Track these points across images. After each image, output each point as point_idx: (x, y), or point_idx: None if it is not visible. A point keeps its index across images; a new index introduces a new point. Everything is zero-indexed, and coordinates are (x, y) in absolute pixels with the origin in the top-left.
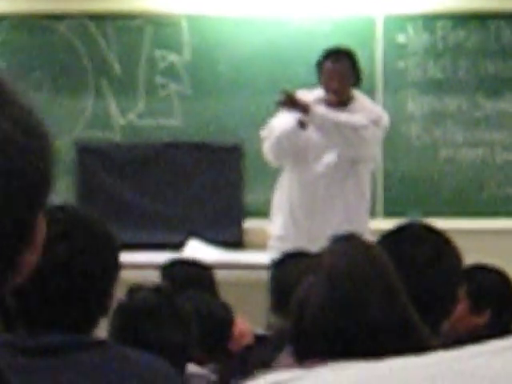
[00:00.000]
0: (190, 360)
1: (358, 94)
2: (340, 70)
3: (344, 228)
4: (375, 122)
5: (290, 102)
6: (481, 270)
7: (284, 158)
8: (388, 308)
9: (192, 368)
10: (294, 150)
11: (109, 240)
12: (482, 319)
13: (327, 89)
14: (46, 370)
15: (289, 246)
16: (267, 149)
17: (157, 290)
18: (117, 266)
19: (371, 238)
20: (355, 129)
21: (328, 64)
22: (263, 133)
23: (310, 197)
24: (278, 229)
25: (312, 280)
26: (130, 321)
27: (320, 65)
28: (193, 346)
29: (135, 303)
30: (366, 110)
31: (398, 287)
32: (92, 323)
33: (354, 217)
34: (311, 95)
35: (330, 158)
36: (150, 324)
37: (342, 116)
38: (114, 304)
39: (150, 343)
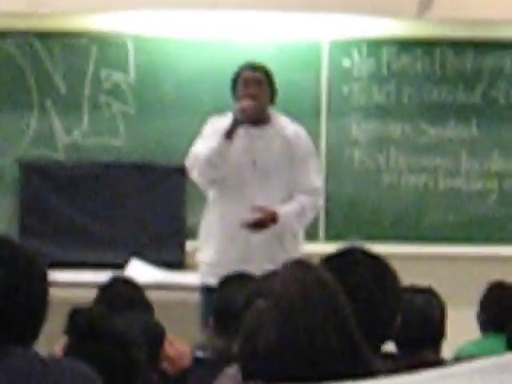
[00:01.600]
0: (137, 381)
1: (275, 115)
2: (257, 77)
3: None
4: (315, 154)
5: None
6: (411, 292)
7: (215, 179)
8: (337, 332)
9: None
10: (224, 167)
11: (31, 264)
12: None
13: (244, 95)
14: None
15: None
16: (197, 175)
17: (96, 309)
18: (44, 287)
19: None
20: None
21: (245, 73)
22: (188, 162)
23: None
24: (211, 255)
25: (262, 305)
26: (75, 342)
27: (235, 82)
28: (138, 367)
29: (80, 325)
30: (286, 132)
31: (347, 312)
32: (26, 339)
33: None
34: (225, 120)
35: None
36: (96, 345)
37: (303, 206)
38: (56, 324)
39: (94, 363)
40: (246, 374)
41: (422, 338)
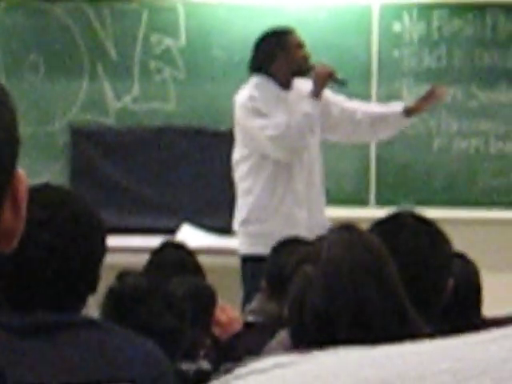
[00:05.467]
0: (184, 345)
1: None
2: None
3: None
4: None
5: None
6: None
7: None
8: (384, 297)
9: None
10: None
11: (92, 220)
12: None
13: (305, 57)
14: (36, 349)
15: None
16: (297, 143)
17: (147, 274)
18: (103, 245)
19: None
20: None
21: (295, 36)
22: (273, 132)
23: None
24: (269, 229)
25: (310, 270)
26: (121, 305)
27: (274, 49)
28: (186, 330)
29: (126, 288)
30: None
31: (395, 277)
32: (79, 302)
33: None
34: (268, 90)
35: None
36: (141, 308)
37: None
38: (105, 289)
39: (142, 328)
40: (295, 339)
41: (462, 305)
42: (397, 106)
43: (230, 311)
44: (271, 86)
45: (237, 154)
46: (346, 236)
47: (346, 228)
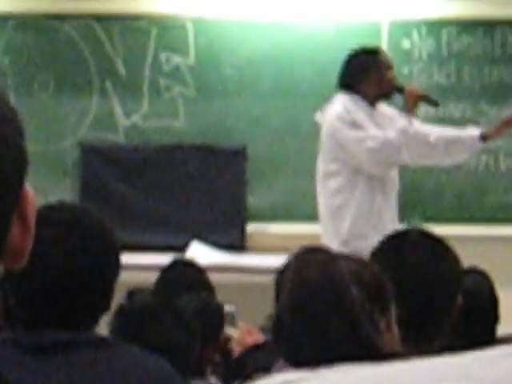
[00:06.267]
0: (193, 361)
1: None
2: None
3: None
4: None
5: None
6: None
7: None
8: (339, 320)
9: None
10: None
11: (106, 239)
12: None
13: (393, 80)
14: (48, 368)
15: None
16: (396, 158)
17: (157, 292)
18: (117, 264)
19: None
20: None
21: (385, 56)
22: (372, 144)
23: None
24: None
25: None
26: (131, 323)
27: (367, 68)
28: (195, 347)
29: (136, 306)
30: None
31: (353, 301)
32: (92, 321)
33: None
34: (358, 105)
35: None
36: (152, 326)
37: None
38: (114, 307)
39: (152, 345)
40: (283, 356)
41: (476, 322)
42: (474, 130)
43: (256, 335)
44: (360, 103)
45: (322, 169)
46: (308, 258)
47: (313, 250)
